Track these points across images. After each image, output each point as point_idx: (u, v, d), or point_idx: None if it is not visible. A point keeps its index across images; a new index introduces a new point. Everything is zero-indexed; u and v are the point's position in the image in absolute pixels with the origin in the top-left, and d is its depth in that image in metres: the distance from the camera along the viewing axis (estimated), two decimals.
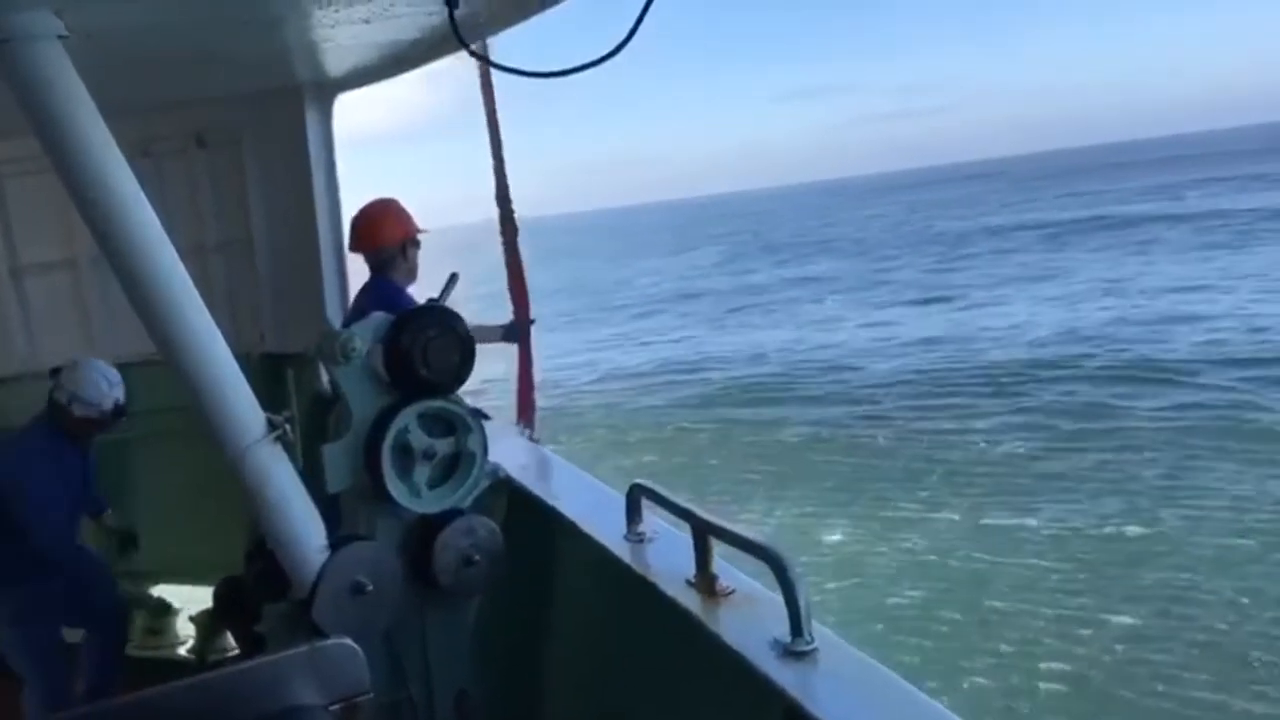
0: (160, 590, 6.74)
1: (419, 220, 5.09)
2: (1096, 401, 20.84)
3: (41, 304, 6.57)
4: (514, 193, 5.32)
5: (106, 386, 5.02)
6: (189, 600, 6.41)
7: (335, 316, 6.08)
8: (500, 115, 5.17)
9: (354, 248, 5.19)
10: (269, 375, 6.21)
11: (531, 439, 5.36)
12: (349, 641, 2.68)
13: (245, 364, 6.12)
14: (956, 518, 15.07)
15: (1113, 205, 69.69)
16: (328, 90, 5.88)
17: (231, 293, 6.46)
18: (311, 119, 5.98)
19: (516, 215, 5.41)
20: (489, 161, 5.37)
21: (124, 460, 6.64)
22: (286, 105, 5.88)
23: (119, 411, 5.10)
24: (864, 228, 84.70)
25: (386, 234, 5.01)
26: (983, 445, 18.64)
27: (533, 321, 5.46)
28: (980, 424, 20.05)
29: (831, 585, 12.94)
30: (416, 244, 5.09)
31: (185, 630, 6.50)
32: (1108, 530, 14.08)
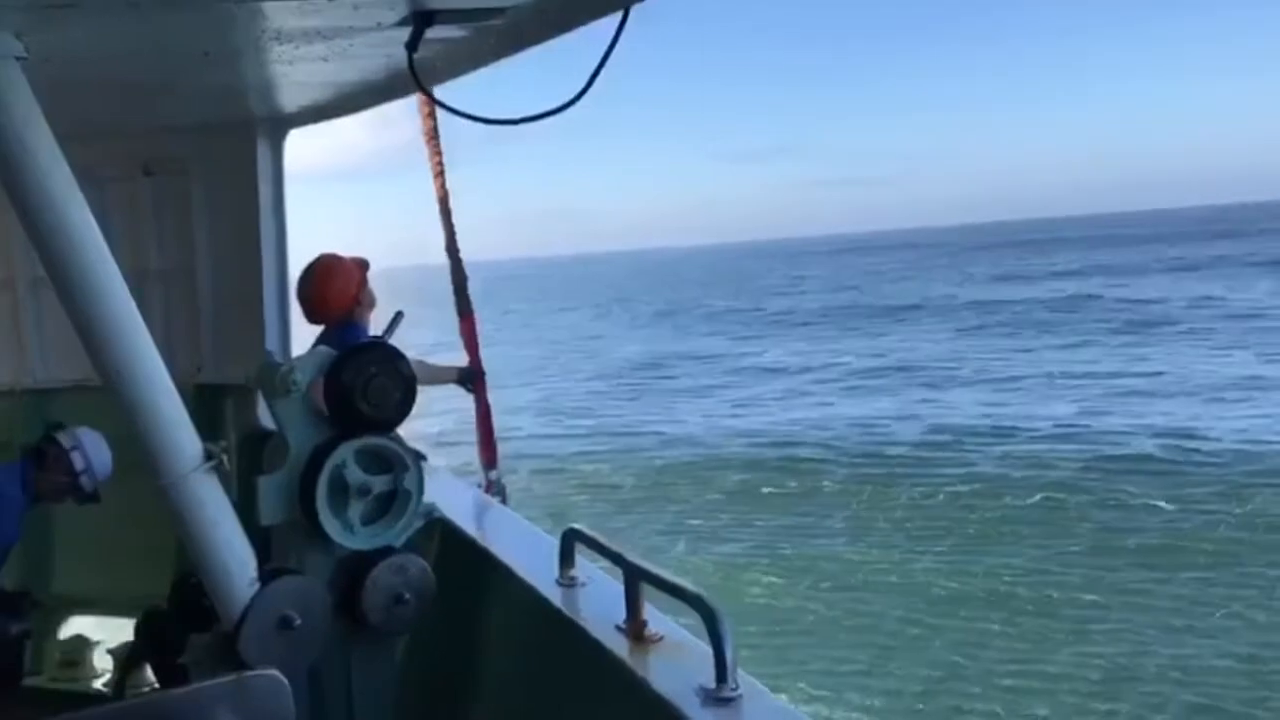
0: (80, 621, 6.60)
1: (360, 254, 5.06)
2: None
3: None
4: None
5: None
6: (110, 632, 6.28)
7: (275, 349, 6.05)
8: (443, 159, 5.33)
9: (310, 320, 5.02)
10: (205, 405, 6.15)
11: (492, 479, 5.48)
12: (276, 673, 2.68)
13: (182, 393, 6.10)
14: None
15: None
16: (280, 125, 5.89)
17: (171, 321, 6.41)
18: (262, 152, 5.99)
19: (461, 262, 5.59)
20: (429, 206, 5.53)
21: None
22: (237, 137, 5.89)
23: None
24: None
25: (334, 302, 4.85)
26: None
27: (482, 373, 5.65)
28: None
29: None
30: (364, 280, 4.98)
31: (103, 663, 6.36)
32: None
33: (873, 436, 26.27)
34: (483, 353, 5.71)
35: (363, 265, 4.95)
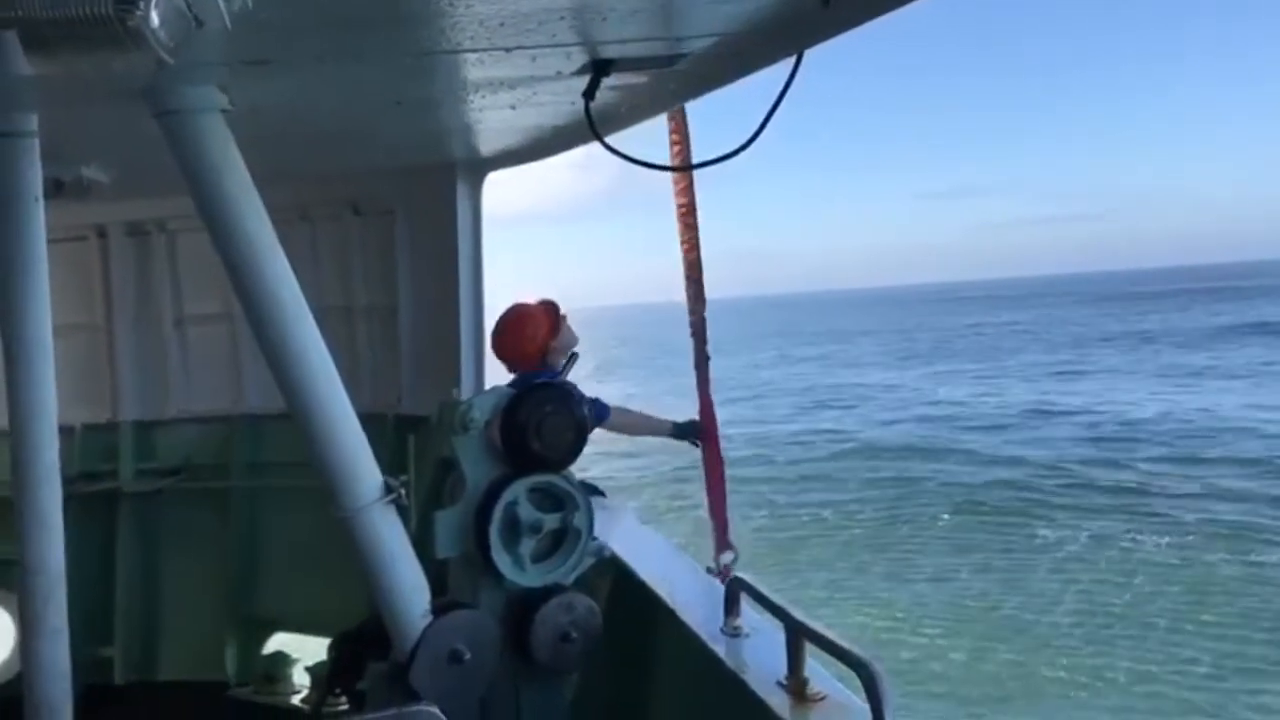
0: (282, 639, 6.95)
1: (556, 296, 5.05)
2: None
3: (199, 353, 6.95)
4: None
5: None
6: (313, 651, 6.58)
7: (469, 384, 6.24)
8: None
9: (509, 370, 4.91)
10: (402, 436, 6.40)
11: (725, 563, 4.98)
12: (435, 710, 2.72)
13: (381, 423, 6.35)
14: None
15: None
16: (479, 168, 6.09)
17: (375, 354, 6.72)
18: (462, 194, 6.20)
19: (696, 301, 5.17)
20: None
21: (256, 509, 6.92)
22: (438, 180, 6.12)
23: None
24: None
25: (522, 351, 4.82)
26: None
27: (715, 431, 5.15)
28: None
29: None
30: (558, 328, 4.89)
31: (303, 680, 6.66)
32: None
33: None
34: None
35: (551, 310, 4.87)
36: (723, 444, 5.25)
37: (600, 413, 5.06)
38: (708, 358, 5.11)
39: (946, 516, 21.90)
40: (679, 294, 5.42)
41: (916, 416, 37.77)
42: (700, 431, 5.19)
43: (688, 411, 5.34)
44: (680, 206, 5.18)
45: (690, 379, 5.22)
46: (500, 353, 4.92)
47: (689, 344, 5.23)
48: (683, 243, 5.24)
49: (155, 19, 1.90)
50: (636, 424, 5.33)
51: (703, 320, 5.13)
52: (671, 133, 4.89)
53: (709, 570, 4.83)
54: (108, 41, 1.89)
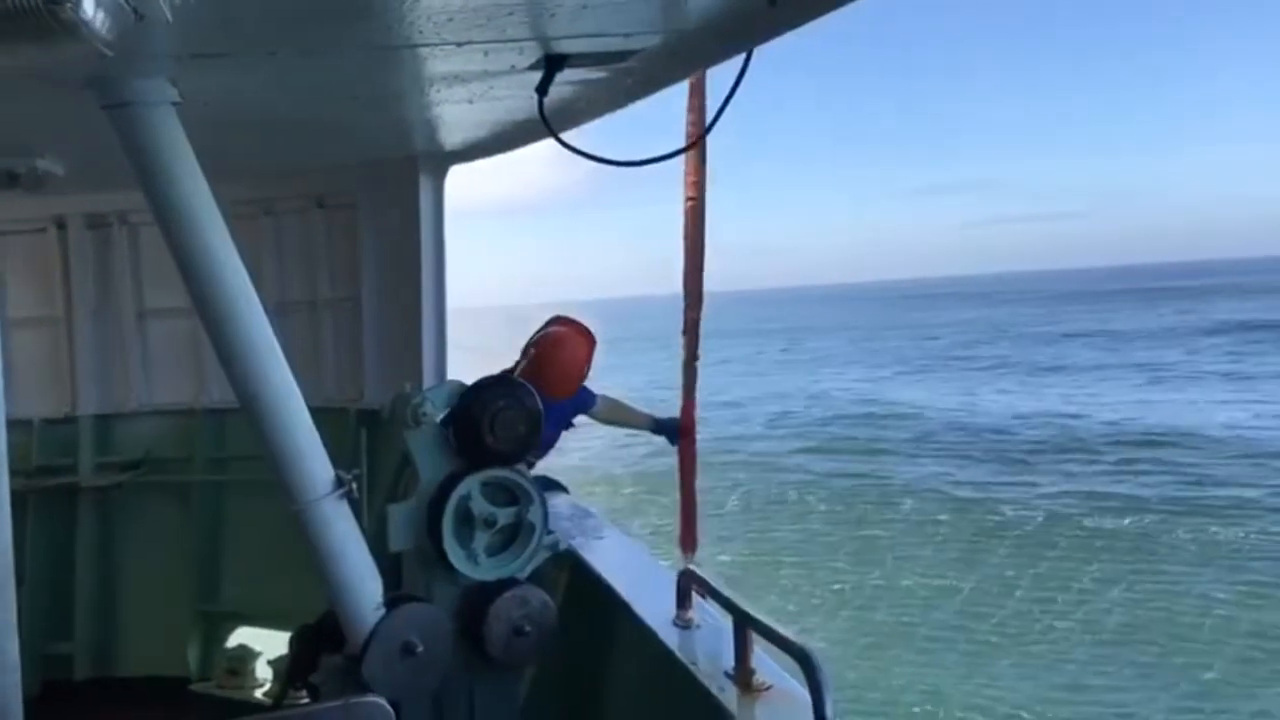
0: (245, 633, 6.92)
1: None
2: None
3: (161, 347, 6.90)
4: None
5: None
6: (276, 645, 6.54)
7: (431, 378, 6.23)
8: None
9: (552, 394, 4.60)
10: (366, 430, 6.39)
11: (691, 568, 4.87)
12: (383, 702, 2.73)
13: (344, 417, 6.33)
14: None
15: None
16: (441, 161, 6.07)
17: (339, 347, 6.69)
18: (425, 187, 6.18)
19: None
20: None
21: (218, 503, 6.89)
22: (401, 173, 6.11)
23: None
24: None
25: (581, 378, 4.82)
26: None
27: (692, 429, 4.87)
28: None
29: None
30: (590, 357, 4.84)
31: (265, 674, 6.64)
32: None
33: None
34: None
35: (591, 341, 4.84)
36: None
37: (587, 401, 5.10)
38: (696, 358, 4.78)
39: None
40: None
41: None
42: (679, 430, 4.95)
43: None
44: (689, 200, 4.69)
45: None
46: (554, 389, 4.60)
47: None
48: (686, 237, 4.77)
49: (89, 11, 1.89)
50: (621, 415, 5.41)
51: (698, 320, 4.76)
52: (690, 111, 4.37)
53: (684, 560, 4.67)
54: (41, 34, 1.88)
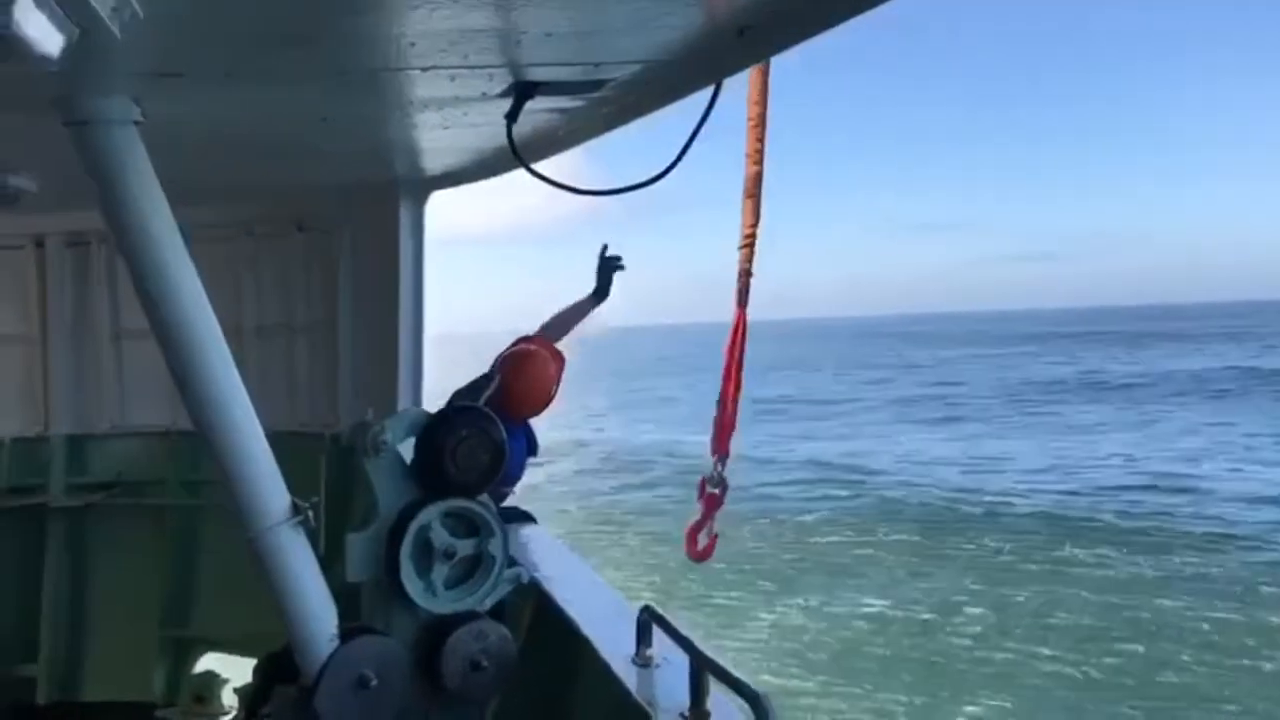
0: (213, 659, 6.84)
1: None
2: None
3: (137, 368, 6.85)
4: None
5: None
6: (244, 672, 6.46)
7: (406, 404, 6.18)
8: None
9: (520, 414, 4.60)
10: (340, 455, 6.33)
11: (719, 472, 4.90)
12: None
13: (318, 441, 6.28)
14: None
15: None
16: (420, 187, 6.05)
17: (313, 372, 6.65)
18: (405, 213, 6.16)
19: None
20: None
21: (191, 526, 6.82)
22: (381, 198, 6.08)
23: None
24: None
25: (550, 398, 4.64)
26: None
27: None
28: None
29: None
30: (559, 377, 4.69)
31: (232, 701, 6.56)
32: None
33: None
34: None
35: (560, 360, 4.70)
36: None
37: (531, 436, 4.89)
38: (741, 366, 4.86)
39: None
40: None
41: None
42: (613, 267, 4.98)
43: None
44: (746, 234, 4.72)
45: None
46: (522, 410, 4.55)
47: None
48: (744, 236, 4.78)
49: (29, 28, 1.85)
50: (568, 319, 5.05)
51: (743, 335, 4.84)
52: (751, 103, 4.51)
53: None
54: None
